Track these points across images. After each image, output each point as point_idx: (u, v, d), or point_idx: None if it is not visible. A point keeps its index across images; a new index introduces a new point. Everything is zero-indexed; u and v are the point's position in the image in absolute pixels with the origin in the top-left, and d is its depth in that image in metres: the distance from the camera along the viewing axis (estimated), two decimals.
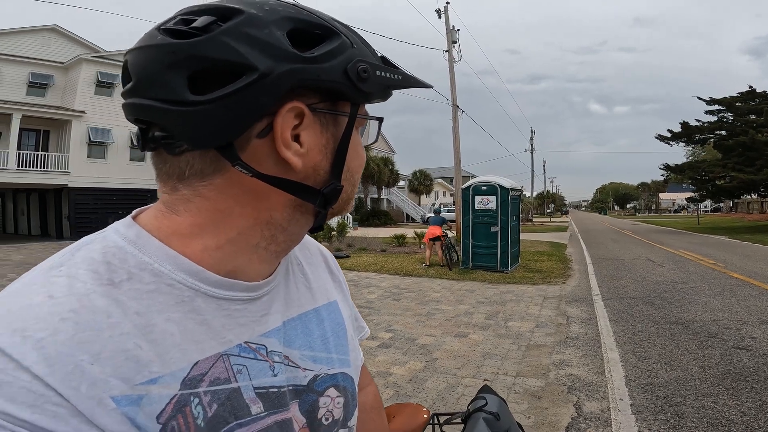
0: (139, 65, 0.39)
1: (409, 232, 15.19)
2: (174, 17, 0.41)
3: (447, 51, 15.61)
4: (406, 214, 36.13)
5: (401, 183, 38.29)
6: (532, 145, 49.05)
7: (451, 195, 40.19)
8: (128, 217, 0.43)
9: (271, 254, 0.45)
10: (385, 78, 0.44)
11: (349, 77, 0.41)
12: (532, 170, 49.82)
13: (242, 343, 0.42)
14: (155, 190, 0.45)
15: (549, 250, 13.82)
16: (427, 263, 9.97)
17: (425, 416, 0.82)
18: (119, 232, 0.41)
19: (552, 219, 49.51)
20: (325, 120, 0.43)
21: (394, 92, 0.47)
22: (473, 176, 12.68)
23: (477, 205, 9.21)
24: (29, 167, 17.11)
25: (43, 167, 17.51)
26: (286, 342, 0.47)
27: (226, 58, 0.37)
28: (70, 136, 18.22)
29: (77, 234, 17.17)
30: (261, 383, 0.43)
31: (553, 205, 78.10)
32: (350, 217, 24.69)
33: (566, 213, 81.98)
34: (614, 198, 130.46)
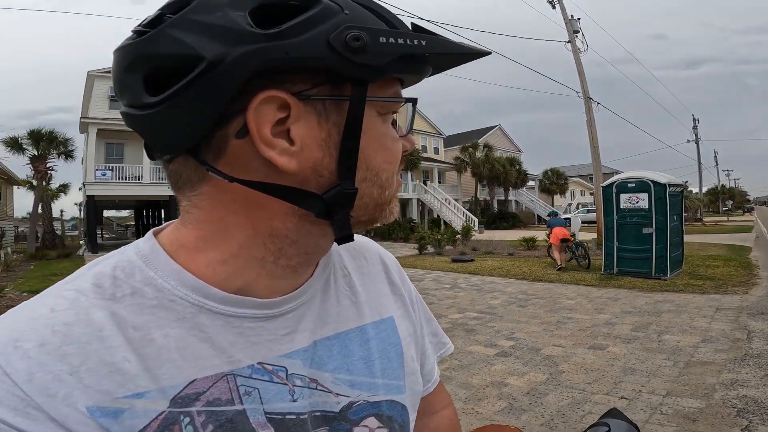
0: (112, 70, 0.37)
1: (539, 234, 14.01)
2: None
3: (569, 42, 14.44)
4: (537, 215, 33.77)
5: (530, 183, 36.11)
6: (696, 135, 41.34)
7: (591, 194, 36.07)
8: (149, 232, 0.43)
9: (284, 269, 0.40)
10: (395, 45, 0.35)
11: (335, 49, 0.33)
12: (699, 163, 41.73)
13: (255, 364, 0.39)
14: None
15: (725, 254, 11.29)
16: (559, 265, 9.16)
17: None
18: (138, 246, 0.41)
19: (730, 218, 40.61)
20: (323, 108, 0.36)
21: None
22: (617, 172, 11.09)
23: (623, 204, 8.17)
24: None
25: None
26: (314, 364, 0.42)
27: (172, 51, 0.33)
28: None
29: None
30: (275, 408, 0.39)
31: (731, 202, 64.09)
32: (476, 220, 24.11)
33: (750, 210, 66.61)
34: None
